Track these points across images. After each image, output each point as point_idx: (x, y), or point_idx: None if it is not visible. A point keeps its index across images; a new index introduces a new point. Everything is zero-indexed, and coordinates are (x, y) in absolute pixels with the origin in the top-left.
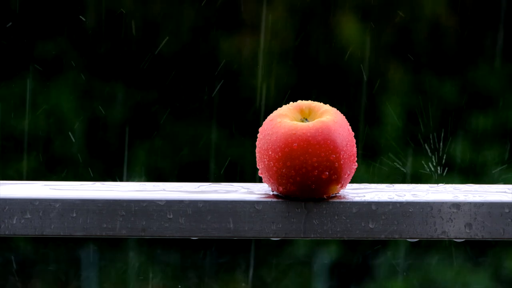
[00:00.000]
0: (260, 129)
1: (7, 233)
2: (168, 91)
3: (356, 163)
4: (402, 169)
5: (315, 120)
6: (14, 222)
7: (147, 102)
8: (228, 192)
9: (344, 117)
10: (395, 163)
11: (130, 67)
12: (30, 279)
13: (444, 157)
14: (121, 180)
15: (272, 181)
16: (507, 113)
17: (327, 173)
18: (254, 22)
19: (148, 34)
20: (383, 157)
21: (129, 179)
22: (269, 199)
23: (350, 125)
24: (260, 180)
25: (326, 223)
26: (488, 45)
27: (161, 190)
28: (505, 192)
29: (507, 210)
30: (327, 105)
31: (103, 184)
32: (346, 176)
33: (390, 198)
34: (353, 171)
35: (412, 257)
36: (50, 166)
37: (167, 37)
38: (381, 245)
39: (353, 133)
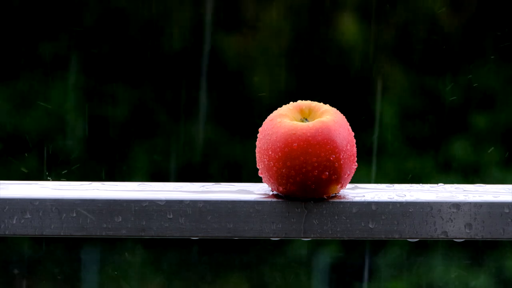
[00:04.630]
0: (260, 129)
1: (7, 233)
2: (168, 90)
3: (356, 163)
4: (402, 169)
5: (315, 120)
6: (14, 222)
7: (147, 102)
8: (228, 192)
9: (344, 117)
10: (395, 163)
11: (130, 66)
12: (30, 279)
13: (444, 157)
14: (121, 180)
15: (272, 181)
16: (507, 113)
17: (327, 173)
18: (254, 22)
19: (148, 33)
20: (383, 157)
21: (129, 179)
22: (269, 199)
23: (350, 125)
24: (260, 180)
25: (326, 223)
26: (488, 45)
27: (161, 190)
28: (505, 192)
29: (507, 210)
30: (327, 105)
31: (102, 184)
32: (346, 176)
33: (390, 198)
34: (353, 171)
35: (412, 257)
36: (50, 166)
37: (167, 37)
38: (381, 245)
39: (353, 133)
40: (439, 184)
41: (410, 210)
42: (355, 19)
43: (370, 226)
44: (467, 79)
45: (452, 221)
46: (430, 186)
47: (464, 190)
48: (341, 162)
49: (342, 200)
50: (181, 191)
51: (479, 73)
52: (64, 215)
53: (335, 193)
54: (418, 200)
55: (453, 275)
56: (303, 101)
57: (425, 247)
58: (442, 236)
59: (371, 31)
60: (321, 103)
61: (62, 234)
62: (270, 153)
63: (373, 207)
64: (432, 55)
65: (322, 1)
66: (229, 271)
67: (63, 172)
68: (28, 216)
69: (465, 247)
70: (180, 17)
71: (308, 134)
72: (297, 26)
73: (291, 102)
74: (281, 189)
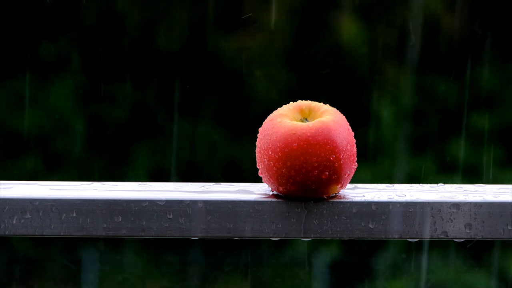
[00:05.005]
0: (260, 129)
1: (7, 233)
2: (168, 90)
3: (356, 163)
4: (402, 169)
5: (315, 120)
6: (14, 222)
7: (147, 102)
8: (228, 192)
9: (344, 117)
10: (395, 163)
11: (130, 66)
12: (30, 279)
13: (444, 157)
14: (121, 180)
15: (272, 181)
16: (507, 113)
17: (327, 173)
18: (254, 22)
19: (148, 33)
20: (383, 157)
21: (129, 179)
22: (269, 199)
23: (350, 125)
24: (260, 180)
25: (326, 223)
26: (488, 45)
27: (161, 190)
28: (505, 192)
29: (507, 210)
30: (327, 105)
31: (102, 184)
32: (346, 176)
33: (390, 198)
34: (353, 171)
35: (412, 257)
36: (50, 166)
37: (167, 37)
38: (381, 245)
39: (353, 133)
40: (439, 184)
41: (410, 210)
42: (355, 19)
43: (370, 226)
44: (467, 79)
45: (452, 221)
46: (430, 186)
47: (464, 190)
48: (341, 162)
49: (342, 200)
50: (181, 191)
51: (479, 73)
52: (64, 215)
53: (335, 193)
54: (418, 200)
55: (453, 275)
56: (303, 101)
57: (425, 247)
58: (442, 236)
59: (371, 31)
60: (321, 103)
61: (62, 234)
62: (270, 153)
63: (373, 207)
64: (432, 55)
65: (322, 1)
66: (229, 271)
67: (63, 172)
68: (28, 216)
69: (465, 247)
70: (179, 17)
71: (308, 134)
72: (297, 26)
73: (291, 102)
74: (281, 189)
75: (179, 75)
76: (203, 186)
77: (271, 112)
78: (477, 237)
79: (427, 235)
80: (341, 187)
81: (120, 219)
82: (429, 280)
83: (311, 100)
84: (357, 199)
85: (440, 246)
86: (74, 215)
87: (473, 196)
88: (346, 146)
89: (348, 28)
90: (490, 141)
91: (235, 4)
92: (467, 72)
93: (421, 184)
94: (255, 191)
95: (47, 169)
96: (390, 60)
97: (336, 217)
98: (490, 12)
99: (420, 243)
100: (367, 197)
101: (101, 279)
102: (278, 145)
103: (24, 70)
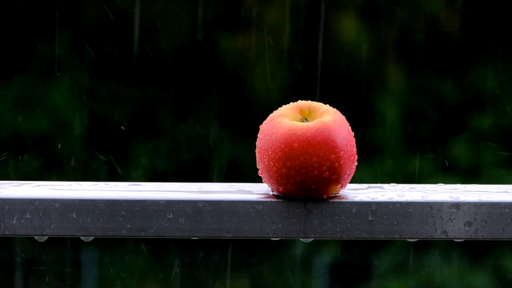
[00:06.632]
0: (260, 129)
1: (7, 233)
2: (168, 90)
3: (356, 163)
4: (402, 169)
5: (315, 120)
6: (14, 222)
7: (148, 102)
8: (228, 192)
9: (344, 117)
10: (395, 163)
11: (130, 66)
12: (30, 279)
13: (444, 157)
14: (121, 180)
15: (272, 181)
16: (506, 113)
17: (327, 173)
18: (254, 21)
19: (148, 33)
20: (383, 157)
21: (130, 179)
22: (269, 199)
23: (350, 125)
24: (260, 180)
25: (326, 223)
26: (488, 45)
27: (161, 190)
28: (505, 192)
29: (507, 210)
30: (327, 105)
31: (103, 184)
32: (346, 176)
33: (390, 198)
34: (353, 171)
35: (412, 257)
36: (50, 166)
37: (168, 37)
38: (381, 245)
39: (353, 133)
40: (439, 184)
41: (410, 210)
42: (356, 19)
43: (370, 226)
44: (468, 79)
45: (452, 221)
46: (430, 186)
47: (464, 190)
48: (341, 162)
49: (342, 200)
50: (181, 191)
51: (479, 73)
52: (64, 215)
53: (335, 193)
54: (418, 200)
55: (453, 275)
56: (303, 101)
57: (425, 247)
58: (442, 236)
59: (371, 31)
60: (321, 103)
61: (62, 234)
62: (270, 153)
63: (373, 207)
64: (432, 55)
65: (323, 0)
66: (228, 271)
67: (63, 172)
68: (28, 216)
69: (465, 247)
70: (180, 16)
71: (308, 134)
72: (297, 25)
73: (291, 102)
74: (281, 189)
75: (180, 75)
76: (203, 186)
77: (271, 112)
78: (477, 237)
79: (427, 235)
80: (341, 187)
81: (120, 219)
82: (429, 280)
83: (311, 100)
84: (357, 199)
85: (440, 246)
86: (74, 215)
87: (473, 196)
88: (346, 146)
89: (349, 27)
90: (491, 141)
91: (236, 4)
92: (468, 72)
93: (421, 184)
94: (255, 191)
95: (47, 170)
96: (391, 60)
97: (336, 217)
98: (491, 12)
99: (420, 243)
100: (367, 197)
101: (101, 279)
102: (278, 145)
103: (24, 70)
